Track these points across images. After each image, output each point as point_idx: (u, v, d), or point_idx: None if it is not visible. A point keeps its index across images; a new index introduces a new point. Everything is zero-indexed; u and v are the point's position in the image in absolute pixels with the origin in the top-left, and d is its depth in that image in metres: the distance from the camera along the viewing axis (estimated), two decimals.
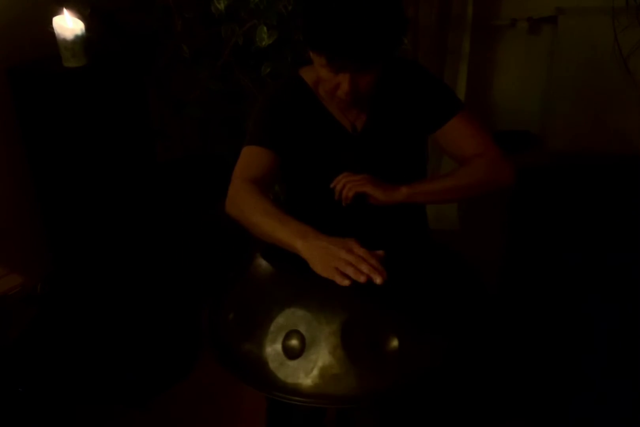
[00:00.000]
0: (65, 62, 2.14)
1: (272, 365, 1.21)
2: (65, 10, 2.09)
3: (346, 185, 1.53)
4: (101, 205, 2.28)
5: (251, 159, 1.57)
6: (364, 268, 1.24)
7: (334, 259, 1.26)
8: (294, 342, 1.20)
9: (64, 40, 2.10)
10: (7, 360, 1.88)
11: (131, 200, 2.37)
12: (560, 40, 3.45)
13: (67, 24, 2.09)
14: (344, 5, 1.36)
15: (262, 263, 1.44)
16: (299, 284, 1.30)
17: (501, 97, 3.77)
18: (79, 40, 2.11)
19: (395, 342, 1.19)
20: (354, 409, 1.62)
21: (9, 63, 2.17)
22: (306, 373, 1.18)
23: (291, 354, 1.20)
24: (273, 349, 1.21)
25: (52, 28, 2.09)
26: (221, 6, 2.21)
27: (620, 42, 3.33)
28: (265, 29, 2.21)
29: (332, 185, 1.56)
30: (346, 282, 1.24)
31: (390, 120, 1.64)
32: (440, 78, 3.03)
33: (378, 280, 1.23)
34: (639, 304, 2.41)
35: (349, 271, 1.24)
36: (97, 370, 2.36)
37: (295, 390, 1.18)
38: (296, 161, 1.64)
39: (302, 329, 1.20)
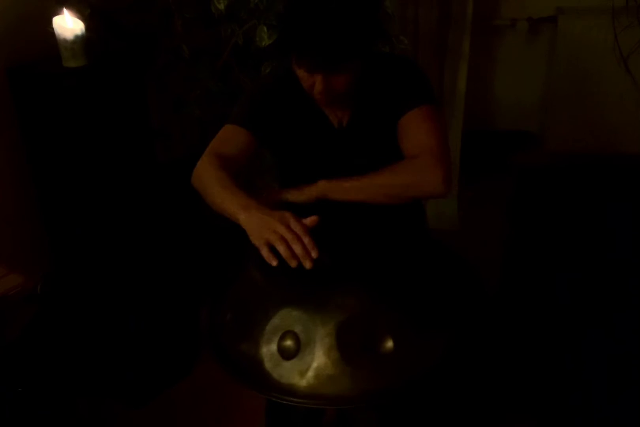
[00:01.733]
0: (65, 62, 2.14)
1: (268, 365, 1.21)
2: (65, 10, 2.09)
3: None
4: (101, 206, 2.28)
5: (227, 136, 1.61)
6: (297, 249, 1.27)
7: (267, 231, 1.30)
8: (289, 342, 1.21)
9: (64, 40, 2.10)
10: (7, 360, 1.88)
11: (131, 200, 2.37)
12: (560, 40, 3.44)
13: (67, 24, 2.09)
14: (316, 8, 1.38)
15: (260, 264, 1.44)
16: (295, 284, 1.30)
17: (501, 97, 3.77)
18: (79, 40, 2.11)
19: (390, 343, 1.19)
20: (352, 409, 1.63)
21: (9, 63, 2.17)
22: (301, 374, 1.18)
23: (286, 354, 1.20)
24: (268, 350, 1.22)
25: (52, 28, 2.09)
26: (221, 6, 2.21)
27: (620, 42, 3.33)
28: (265, 29, 2.21)
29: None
30: (274, 263, 1.28)
31: (375, 114, 1.64)
32: (440, 78, 3.03)
33: (307, 264, 1.27)
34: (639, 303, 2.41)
35: (281, 249, 1.28)
36: (97, 370, 2.36)
37: (290, 390, 1.18)
38: (285, 151, 1.67)
39: (297, 329, 1.21)
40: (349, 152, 1.63)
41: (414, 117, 1.55)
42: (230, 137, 1.60)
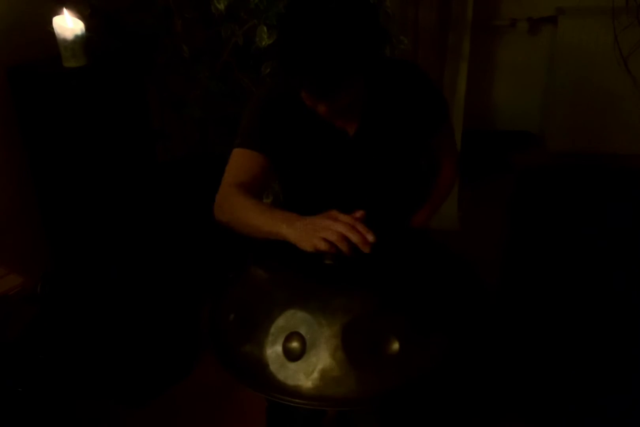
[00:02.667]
0: (65, 62, 2.14)
1: (273, 367, 1.20)
2: (65, 10, 2.09)
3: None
4: (101, 206, 2.28)
5: (240, 163, 1.54)
6: (354, 237, 1.23)
7: (320, 230, 1.25)
8: (295, 344, 1.20)
9: (64, 40, 2.09)
10: (7, 360, 1.87)
11: (131, 200, 2.37)
12: (560, 40, 3.45)
13: (67, 24, 2.08)
14: (315, 37, 1.32)
15: (263, 264, 1.44)
16: (300, 285, 1.30)
17: (501, 97, 3.78)
18: (79, 40, 2.10)
19: (396, 345, 1.18)
20: (354, 410, 1.62)
21: (9, 63, 2.17)
22: (306, 375, 1.18)
23: (292, 356, 1.20)
24: (273, 351, 1.21)
25: (52, 28, 2.09)
26: (221, 6, 2.21)
27: (620, 42, 3.34)
28: (265, 29, 2.21)
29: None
30: (332, 250, 1.23)
31: (384, 123, 1.61)
32: (440, 78, 3.04)
33: (366, 249, 1.23)
34: (638, 303, 2.41)
35: (335, 240, 1.23)
36: (97, 370, 2.36)
37: (295, 392, 1.17)
38: (291, 164, 1.62)
39: (302, 331, 1.20)
40: (358, 162, 1.60)
41: (445, 129, 1.77)
42: (243, 163, 1.54)
